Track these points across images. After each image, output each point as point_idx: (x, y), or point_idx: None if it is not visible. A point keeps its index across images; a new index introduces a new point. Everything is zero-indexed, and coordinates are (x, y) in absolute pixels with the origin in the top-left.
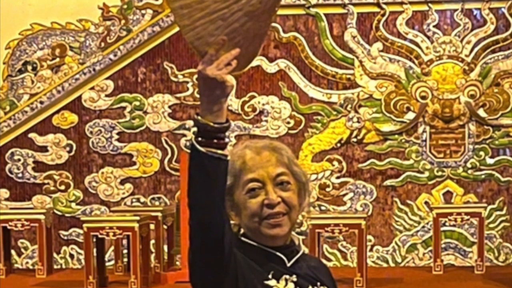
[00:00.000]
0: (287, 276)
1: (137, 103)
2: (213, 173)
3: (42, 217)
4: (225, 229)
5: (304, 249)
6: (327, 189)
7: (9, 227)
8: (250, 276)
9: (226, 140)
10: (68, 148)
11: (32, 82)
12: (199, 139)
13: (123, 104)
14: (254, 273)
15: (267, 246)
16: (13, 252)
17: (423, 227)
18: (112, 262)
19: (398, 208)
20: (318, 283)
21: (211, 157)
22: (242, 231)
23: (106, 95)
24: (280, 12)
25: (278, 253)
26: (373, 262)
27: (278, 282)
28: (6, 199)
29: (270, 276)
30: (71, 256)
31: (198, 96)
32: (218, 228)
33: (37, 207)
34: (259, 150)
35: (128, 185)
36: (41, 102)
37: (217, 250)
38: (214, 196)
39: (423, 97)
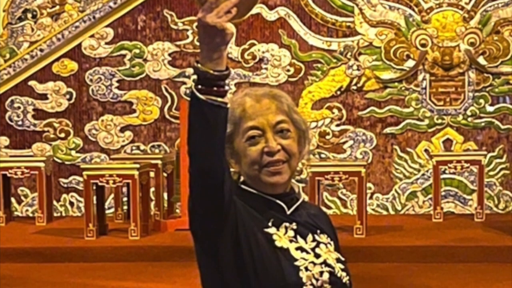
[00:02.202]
0: (287, 224)
1: (137, 51)
2: (213, 121)
3: (42, 164)
4: (225, 177)
5: (304, 197)
6: (327, 137)
7: (9, 175)
8: (250, 223)
9: (226, 87)
10: (68, 96)
11: (32, 29)
12: (199, 86)
13: (123, 52)
14: (254, 221)
15: (267, 193)
16: (13, 199)
17: (423, 175)
18: (112, 210)
19: (398, 156)
20: (318, 231)
21: (211, 104)
22: (242, 179)
23: (106, 43)
24: None
25: (278, 201)
26: (373, 209)
27: (278, 229)
28: (6, 147)
29: (270, 224)
30: (71, 203)
31: (198, 43)
32: (218, 175)
33: (37, 155)
34: (259, 98)
35: (128, 133)
36: (41, 50)
37: (217, 197)
38: (214, 143)
39: (423, 45)
